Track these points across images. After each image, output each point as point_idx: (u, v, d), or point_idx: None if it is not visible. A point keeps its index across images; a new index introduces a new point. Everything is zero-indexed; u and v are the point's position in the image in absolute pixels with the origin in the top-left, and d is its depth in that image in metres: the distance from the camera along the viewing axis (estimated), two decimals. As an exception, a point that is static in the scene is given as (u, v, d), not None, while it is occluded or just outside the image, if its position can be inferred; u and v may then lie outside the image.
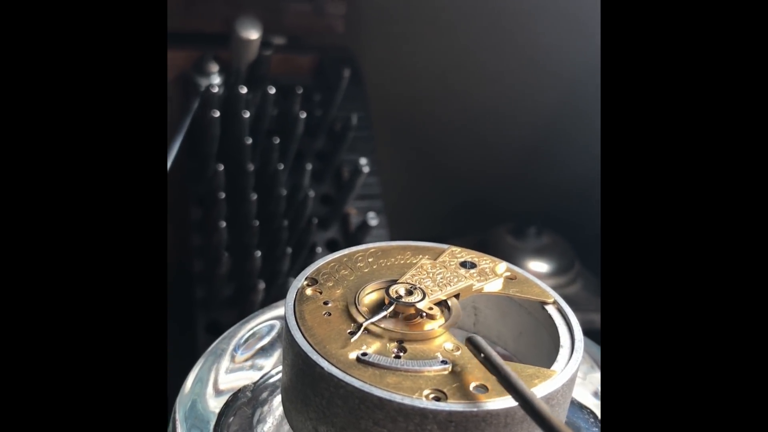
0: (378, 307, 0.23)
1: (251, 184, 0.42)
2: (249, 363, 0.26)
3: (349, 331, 0.22)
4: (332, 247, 0.47)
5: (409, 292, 0.23)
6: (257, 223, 0.41)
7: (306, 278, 0.24)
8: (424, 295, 0.23)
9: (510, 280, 0.26)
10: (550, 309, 0.25)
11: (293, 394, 0.22)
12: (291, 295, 0.23)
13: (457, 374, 0.21)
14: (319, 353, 0.21)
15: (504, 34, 0.61)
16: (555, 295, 0.25)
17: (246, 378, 0.26)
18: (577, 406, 0.27)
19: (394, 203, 0.55)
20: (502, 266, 0.26)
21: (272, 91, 0.43)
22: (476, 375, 0.21)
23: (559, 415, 0.22)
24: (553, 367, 0.22)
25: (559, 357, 0.22)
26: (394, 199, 0.56)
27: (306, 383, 0.21)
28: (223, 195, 0.40)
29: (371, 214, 0.43)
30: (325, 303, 0.23)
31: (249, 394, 0.25)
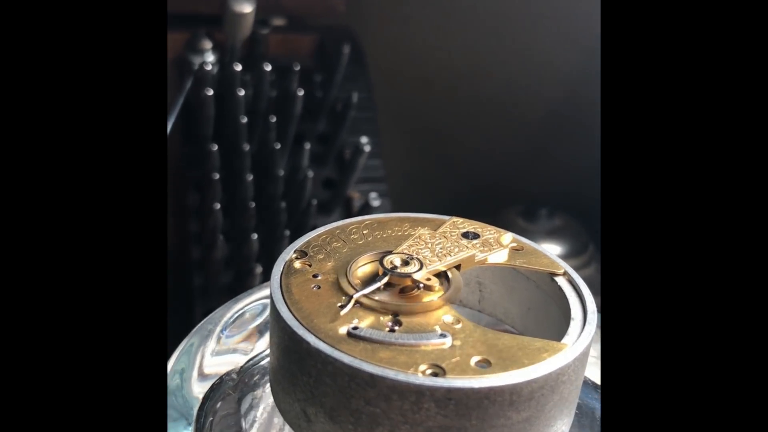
0: (372, 279, 0.21)
1: (248, 165, 0.40)
2: (238, 345, 0.25)
3: (339, 304, 0.20)
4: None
5: (405, 263, 0.21)
6: (253, 205, 0.39)
7: (295, 251, 0.22)
8: (422, 265, 0.21)
9: (516, 251, 0.24)
10: (560, 281, 0.23)
11: (280, 373, 0.20)
12: (278, 267, 0.22)
13: (457, 348, 0.19)
14: (305, 327, 0.19)
15: (515, 11, 0.59)
16: (565, 266, 0.23)
17: (233, 362, 0.24)
18: (591, 387, 0.25)
19: (399, 186, 0.53)
20: (508, 237, 0.24)
21: (268, 68, 0.41)
22: (478, 349, 0.19)
23: (571, 394, 0.20)
24: (563, 341, 0.20)
25: (570, 330, 0.20)
26: (399, 182, 0.54)
27: (292, 360, 0.19)
28: (217, 176, 0.39)
29: (373, 195, 0.41)
30: (315, 276, 0.21)
31: (235, 377, 0.23)
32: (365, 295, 0.20)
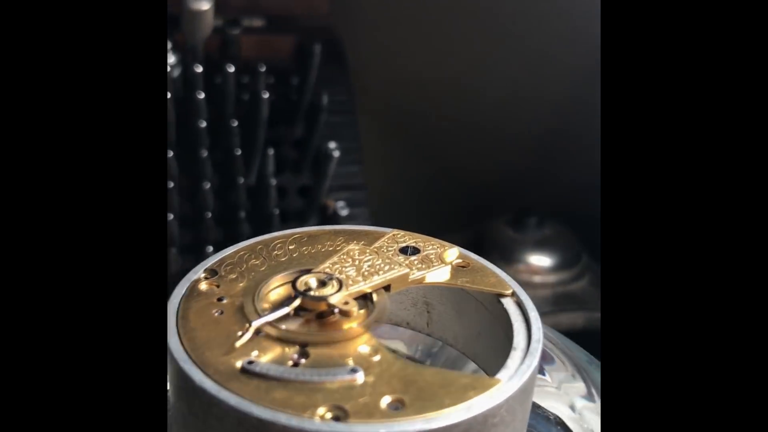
0: (284, 303, 0.19)
1: (207, 173, 0.38)
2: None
3: (240, 333, 0.17)
4: (309, 242, 0.43)
5: (322, 284, 0.19)
6: (210, 215, 0.37)
7: (205, 269, 0.20)
8: (341, 286, 0.19)
9: (461, 268, 0.21)
10: (507, 303, 0.20)
11: (172, 411, 0.18)
12: (179, 290, 0.19)
13: (368, 386, 0.16)
14: (193, 361, 0.17)
15: (505, 19, 0.56)
16: (514, 286, 0.20)
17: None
18: (544, 418, 0.22)
19: (380, 194, 0.51)
20: (453, 252, 0.21)
21: (231, 69, 0.39)
22: (394, 386, 0.16)
23: (508, 438, 0.17)
24: (499, 374, 0.17)
25: (508, 362, 0.18)
26: (380, 190, 0.51)
27: (181, 398, 0.17)
28: (171, 184, 0.36)
29: (341, 203, 0.38)
30: (219, 299, 0.19)
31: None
32: (270, 323, 0.18)
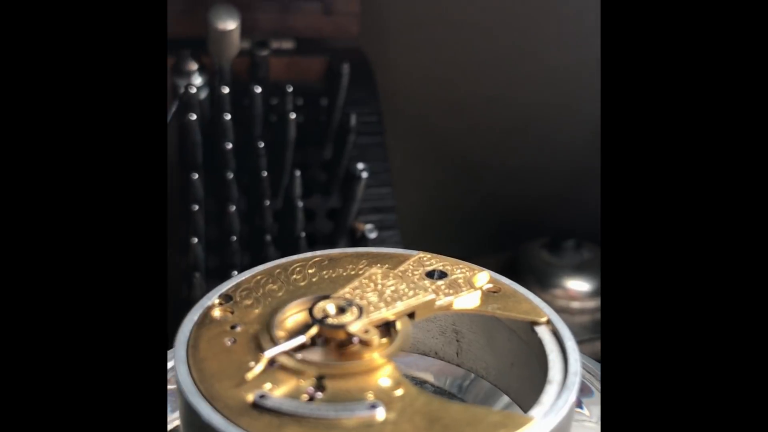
0: (301, 331, 0.17)
1: (234, 195, 0.37)
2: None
3: (252, 363, 0.16)
4: (338, 266, 0.42)
5: (341, 311, 0.17)
6: (234, 238, 0.36)
7: (219, 295, 0.19)
8: (361, 313, 0.17)
9: (492, 293, 0.20)
10: (542, 331, 0.18)
11: (181, 447, 0.16)
12: (191, 317, 0.18)
13: (389, 423, 0.15)
14: (202, 394, 0.15)
15: (540, 40, 0.54)
16: (549, 312, 0.19)
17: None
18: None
19: (411, 217, 0.49)
20: (483, 276, 0.20)
21: (258, 90, 0.38)
22: (417, 423, 0.15)
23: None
24: (532, 411, 0.16)
25: (543, 397, 0.16)
26: (411, 213, 0.50)
27: (189, 434, 0.16)
28: (196, 207, 0.36)
29: (369, 226, 0.37)
30: (233, 327, 0.18)
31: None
32: (284, 353, 0.16)
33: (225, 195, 0.37)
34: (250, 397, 0.15)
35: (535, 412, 0.15)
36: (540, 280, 0.43)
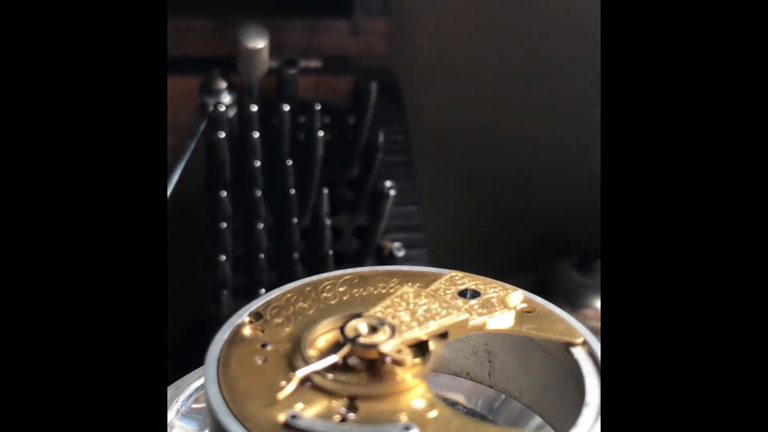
0: (333, 350, 0.17)
1: (261, 213, 0.37)
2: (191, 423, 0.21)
3: (284, 382, 0.16)
4: (365, 285, 0.41)
5: (373, 330, 0.17)
6: (262, 256, 0.36)
7: (249, 313, 0.19)
8: (393, 332, 0.17)
9: (526, 313, 0.19)
10: (578, 352, 0.18)
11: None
12: (221, 335, 0.18)
13: (423, 446, 0.14)
14: (232, 414, 0.15)
15: (567, 58, 0.54)
16: (585, 333, 0.18)
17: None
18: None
19: (438, 235, 0.49)
20: (517, 296, 0.20)
21: (286, 108, 0.38)
22: (452, 447, 0.14)
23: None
24: (570, 436, 0.15)
25: (580, 420, 0.16)
26: (439, 231, 0.49)
27: (219, 456, 0.15)
28: (224, 225, 0.36)
29: (397, 245, 0.37)
30: (263, 345, 0.17)
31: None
32: (316, 372, 0.16)
33: (253, 213, 0.37)
34: (282, 417, 0.15)
35: (574, 435, 0.15)
36: (570, 301, 0.43)
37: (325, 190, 0.37)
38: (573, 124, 0.55)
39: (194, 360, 0.38)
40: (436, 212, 0.51)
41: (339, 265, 0.41)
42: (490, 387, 0.21)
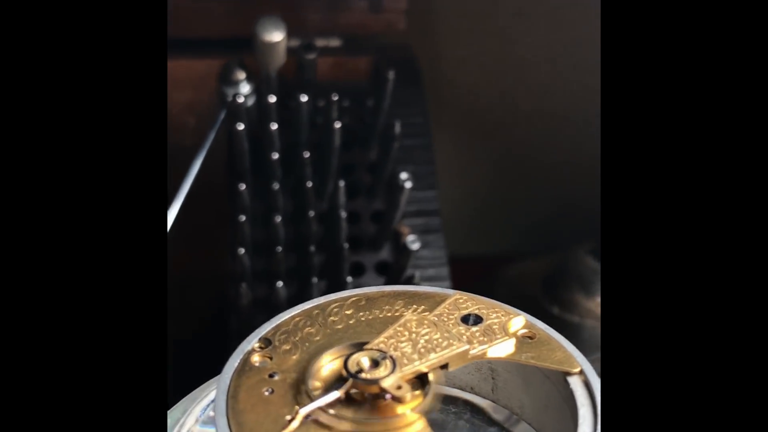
0: (336, 382, 0.18)
1: (279, 205, 0.37)
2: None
3: (288, 417, 0.17)
4: (382, 270, 0.42)
5: (375, 364, 0.18)
6: (280, 249, 0.37)
7: (259, 339, 0.19)
8: (395, 366, 0.18)
9: (527, 339, 0.20)
10: (574, 382, 0.19)
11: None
12: (232, 363, 0.19)
13: (418, 486, 0.15)
14: (240, 450, 0.16)
15: (591, 30, 0.53)
16: (582, 362, 0.19)
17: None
18: None
19: (456, 218, 0.49)
20: (518, 321, 0.20)
21: (304, 99, 0.39)
22: (446, 488, 0.15)
23: None
24: (561, 476, 0.16)
25: (572, 460, 0.16)
26: (456, 213, 0.50)
27: (227, 487, 0.16)
28: (243, 218, 0.36)
29: (411, 238, 0.38)
30: (271, 376, 0.18)
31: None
32: (320, 408, 0.17)
33: (271, 205, 0.37)
34: (286, 452, 0.16)
35: (564, 476, 0.16)
36: (585, 287, 0.43)
37: (342, 183, 0.38)
38: (596, 98, 0.54)
39: (216, 348, 0.39)
40: (453, 191, 0.51)
41: (356, 251, 0.42)
42: (494, 402, 0.22)
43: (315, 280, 0.36)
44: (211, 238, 0.49)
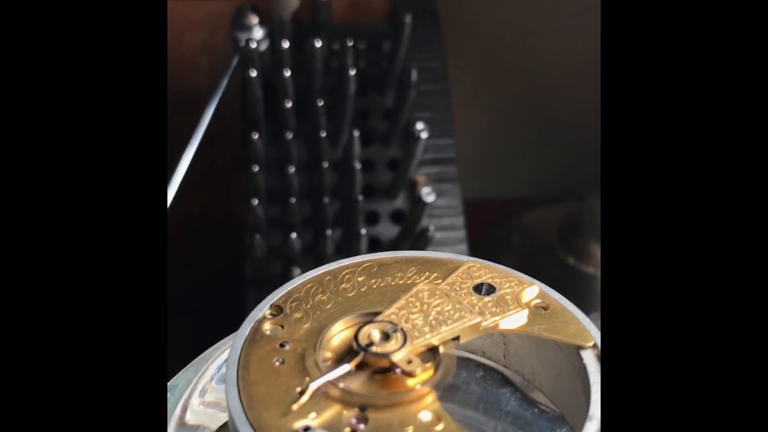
0: (347, 353, 0.18)
1: (292, 155, 0.37)
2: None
3: (298, 389, 0.17)
4: (397, 219, 0.42)
5: (386, 337, 0.18)
6: (293, 200, 0.36)
7: (270, 305, 0.19)
8: (405, 339, 0.18)
9: (540, 310, 0.20)
10: (587, 356, 0.18)
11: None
12: (243, 330, 0.19)
13: (427, 464, 0.15)
14: (250, 423, 0.16)
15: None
16: (596, 336, 0.19)
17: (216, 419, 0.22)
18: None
19: (472, 161, 0.49)
20: (532, 291, 0.20)
21: (318, 44, 0.38)
22: (455, 466, 0.15)
23: None
24: (569, 455, 0.16)
25: (582, 436, 0.16)
26: (472, 157, 0.49)
27: (238, 458, 0.17)
28: (256, 168, 0.36)
29: (426, 190, 0.37)
30: (282, 345, 0.18)
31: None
32: (330, 382, 0.17)
33: (285, 154, 0.37)
34: (296, 425, 0.16)
35: (573, 456, 0.16)
36: (599, 237, 0.43)
37: (356, 133, 0.37)
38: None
39: (234, 292, 0.40)
40: (470, 134, 0.51)
41: (371, 199, 0.41)
42: (505, 367, 0.22)
43: (329, 232, 0.36)
44: (229, 181, 0.49)
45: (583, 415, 0.18)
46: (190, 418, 0.22)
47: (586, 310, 0.21)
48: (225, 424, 0.21)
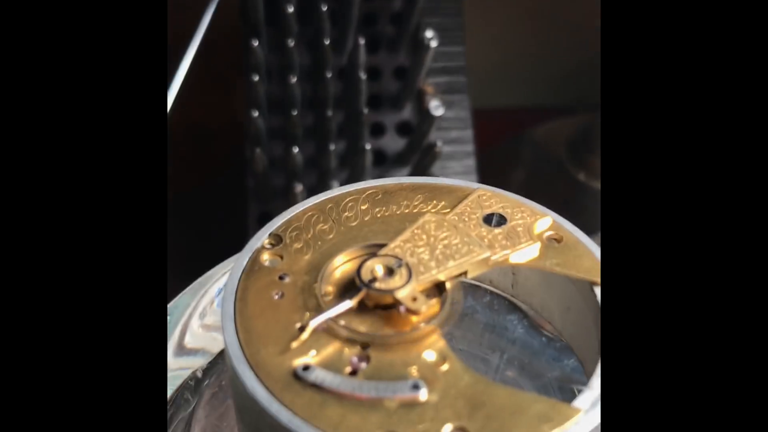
0: (349, 287, 0.17)
1: (294, 63, 0.35)
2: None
3: (298, 325, 0.16)
4: (404, 131, 0.40)
5: (390, 272, 0.17)
6: (295, 112, 0.35)
7: (269, 234, 0.18)
8: (410, 275, 0.17)
9: (552, 242, 0.19)
10: (600, 292, 0.18)
11: (234, 411, 0.17)
12: (241, 261, 0.18)
13: (429, 406, 0.15)
14: (247, 361, 0.16)
15: None
16: (611, 273, 0.18)
17: (214, 346, 0.21)
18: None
19: (482, 68, 0.47)
20: (544, 222, 0.19)
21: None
22: (459, 409, 0.15)
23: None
24: (576, 402, 0.15)
25: (593, 381, 0.16)
26: (483, 64, 0.47)
27: (235, 399, 0.16)
28: (256, 77, 0.34)
29: (434, 103, 0.35)
30: (281, 277, 0.17)
31: (200, 374, 0.20)
32: (330, 319, 0.16)
33: (286, 62, 0.35)
34: (297, 362, 0.15)
35: (583, 400, 0.15)
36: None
37: (362, 41, 0.35)
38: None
39: (237, 202, 0.39)
40: (480, 40, 0.48)
41: (377, 109, 0.40)
42: (513, 297, 0.21)
43: (332, 146, 0.35)
44: (231, 89, 0.47)
45: (594, 351, 0.18)
46: (190, 341, 0.22)
47: (595, 227, 0.20)
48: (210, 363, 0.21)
